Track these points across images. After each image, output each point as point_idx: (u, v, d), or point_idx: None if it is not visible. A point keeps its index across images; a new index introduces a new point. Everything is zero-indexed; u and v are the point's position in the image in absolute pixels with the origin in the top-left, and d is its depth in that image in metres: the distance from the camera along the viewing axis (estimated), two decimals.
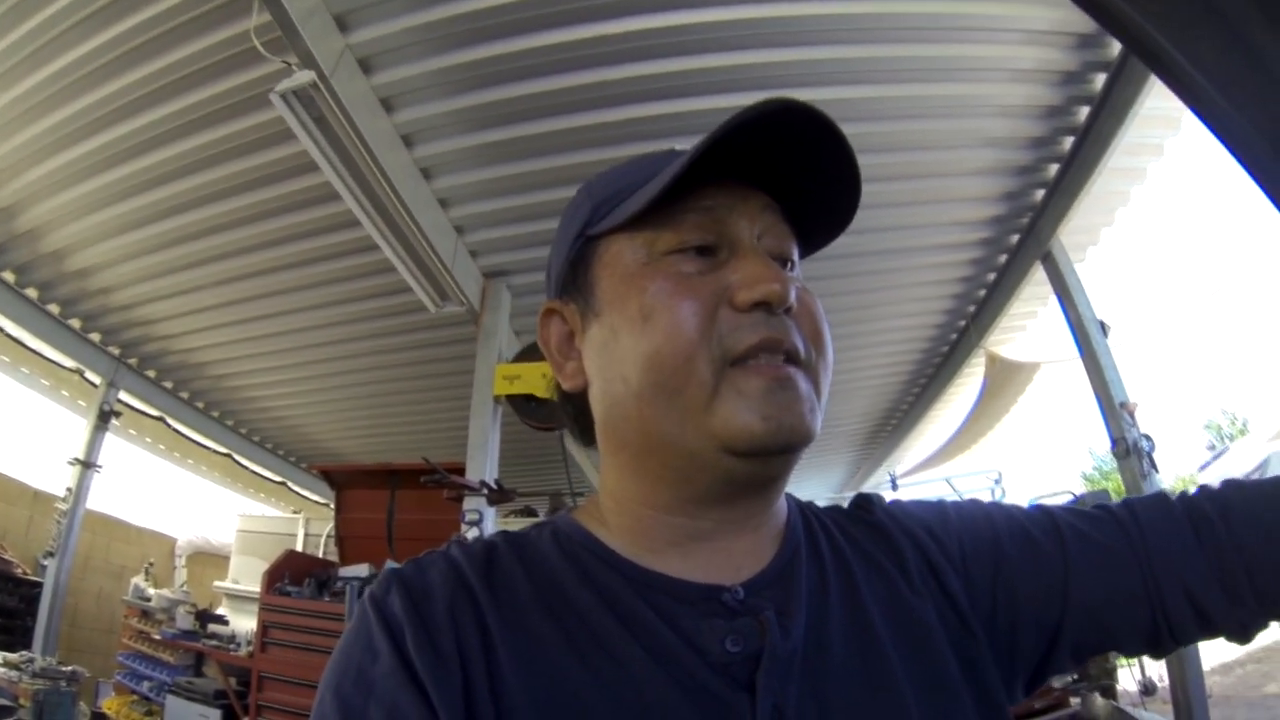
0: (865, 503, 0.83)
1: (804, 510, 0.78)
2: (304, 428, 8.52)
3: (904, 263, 5.86)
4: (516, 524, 9.36)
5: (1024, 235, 5.80)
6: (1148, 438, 4.56)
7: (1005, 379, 7.75)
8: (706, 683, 0.61)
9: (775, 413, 0.62)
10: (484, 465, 4.47)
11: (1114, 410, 4.78)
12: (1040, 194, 5.36)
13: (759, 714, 0.59)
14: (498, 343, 4.96)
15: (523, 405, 4.55)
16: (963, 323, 7.12)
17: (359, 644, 0.64)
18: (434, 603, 0.65)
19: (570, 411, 0.79)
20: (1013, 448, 10.76)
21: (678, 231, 0.67)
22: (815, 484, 11.47)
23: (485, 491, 4.21)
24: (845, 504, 0.84)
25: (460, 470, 4.39)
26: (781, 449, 0.64)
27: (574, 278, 0.75)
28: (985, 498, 9.98)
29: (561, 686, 0.61)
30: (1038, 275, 6.03)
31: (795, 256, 0.73)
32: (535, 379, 4.46)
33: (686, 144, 0.68)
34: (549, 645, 0.63)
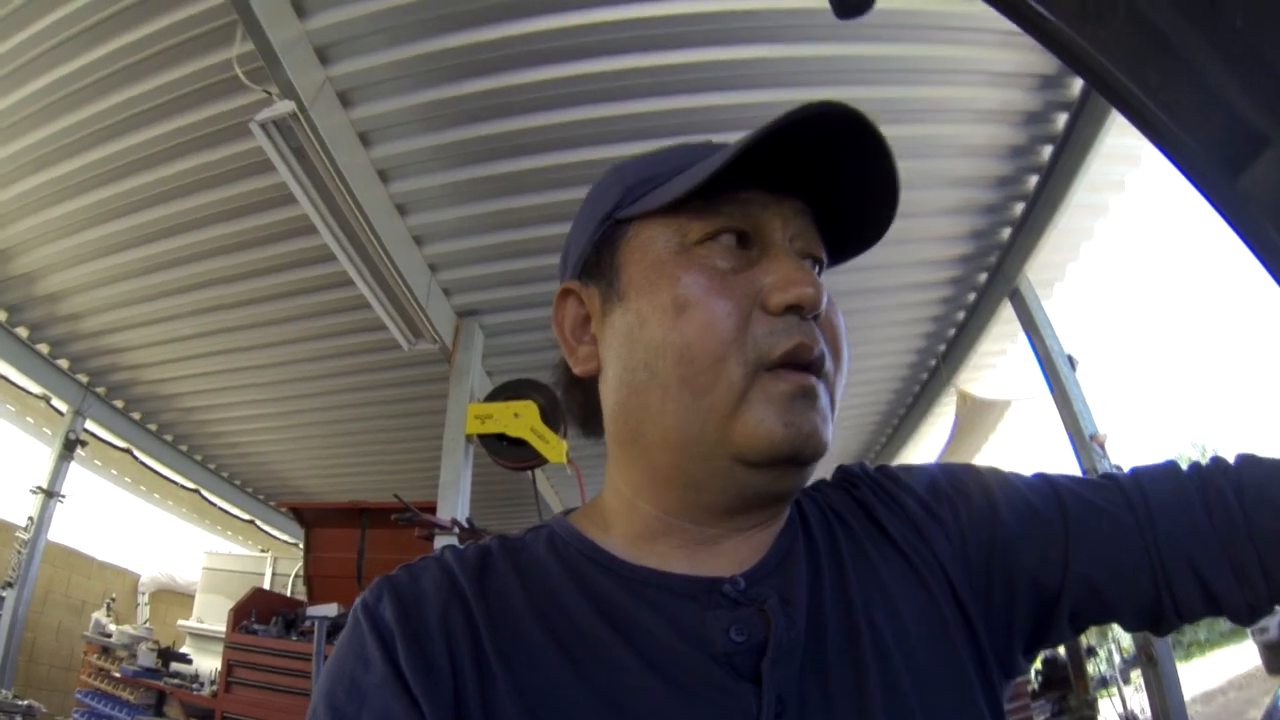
0: (849, 476, 0.81)
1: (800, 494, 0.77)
2: (274, 464, 8.39)
3: (874, 303, 5.92)
4: None
5: (992, 273, 5.91)
6: (1118, 468, 4.62)
7: (976, 417, 7.78)
8: (709, 677, 0.61)
9: (797, 420, 0.62)
10: (455, 504, 4.43)
11: (1084, 442, 4.87)
12: (1007, 232, 5.48)
13: (765, 704, 0.58)
14: (470, 381, 4.97)
15: (494, 444, 4.53)
16: (934, 361, 7.20)
17: (351, 652, 0.63)
18: (425, 610, 0.64)
19: (577, 398, 0.78)
20: None
21: (713, 220, 0.66)
22: None
23: (457, 530, 4.17)
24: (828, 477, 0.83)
25: (431, 509, 4.35)
26: (798, 458, 0.63)
27: (598, 260, 0.73)
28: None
29: (553, 695, 0.60)
30: (1006, 313, 6.15)
31: (824, 259, 0.73)
32: (507, 418, 4.48)
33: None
34: (542, 653, 0.62)
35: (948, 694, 0.63)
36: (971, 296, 6.28)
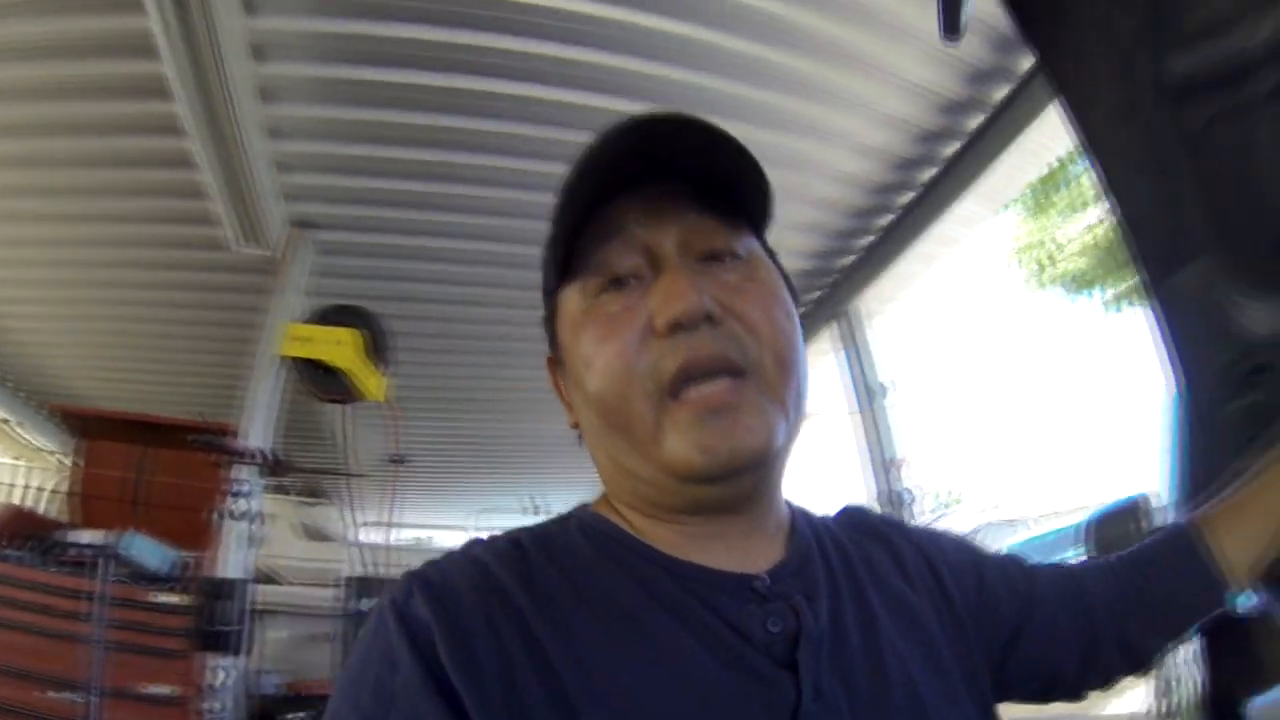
0: (859, 512, 0.87)
1: (806, 516, 0.80)
2: (46, 358, 7.28)
3: None
4: (281, 501, 8.69)
5: (825, 294, 6.23)
6: (909, 490, 5.03)
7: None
8: (753, 663, 0.63)
9: (712, 442, 0.63)
10: (261, 431, 4.11)
11: (884, 465, 5.24)
12: (850, 259, 5.78)
13: (803, 689, 0.62)
14: (293, 299, 4.59)
15: (310, 372, 4.21)
16: None
17: (376, 653, 0.61)
18: (464, 607, 0.62)
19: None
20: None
21: (601, 270, 0.68)
22: (558, 499, 11.48)
23: (261, 461, 3.89)
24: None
25: (230, 434, 4.01)
26: (727, 474, 0.65)
27: (550, 333, 0.77)
28: None
29: (623, 683, 0.61)
30: (829, 332, 6.51)
31: (732, 244, 0.71)
32: (329, 345, 4.14)
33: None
34: (602, 643, 0.63)
35: (952, 697, 0.70)
36: (798, 310, 6.50)
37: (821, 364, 7.50)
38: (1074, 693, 0.88)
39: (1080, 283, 13.10)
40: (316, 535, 9.00)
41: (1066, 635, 0.85)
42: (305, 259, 4.77)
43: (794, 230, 5.32)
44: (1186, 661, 1.06)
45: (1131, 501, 2.17)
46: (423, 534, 10.60)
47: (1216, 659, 0.98)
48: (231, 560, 3.92)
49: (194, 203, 4.35)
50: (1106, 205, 1.03)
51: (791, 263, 5.44)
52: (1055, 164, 5.00)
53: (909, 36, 3.78)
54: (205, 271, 5.34)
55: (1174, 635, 0.90)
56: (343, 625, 5.05)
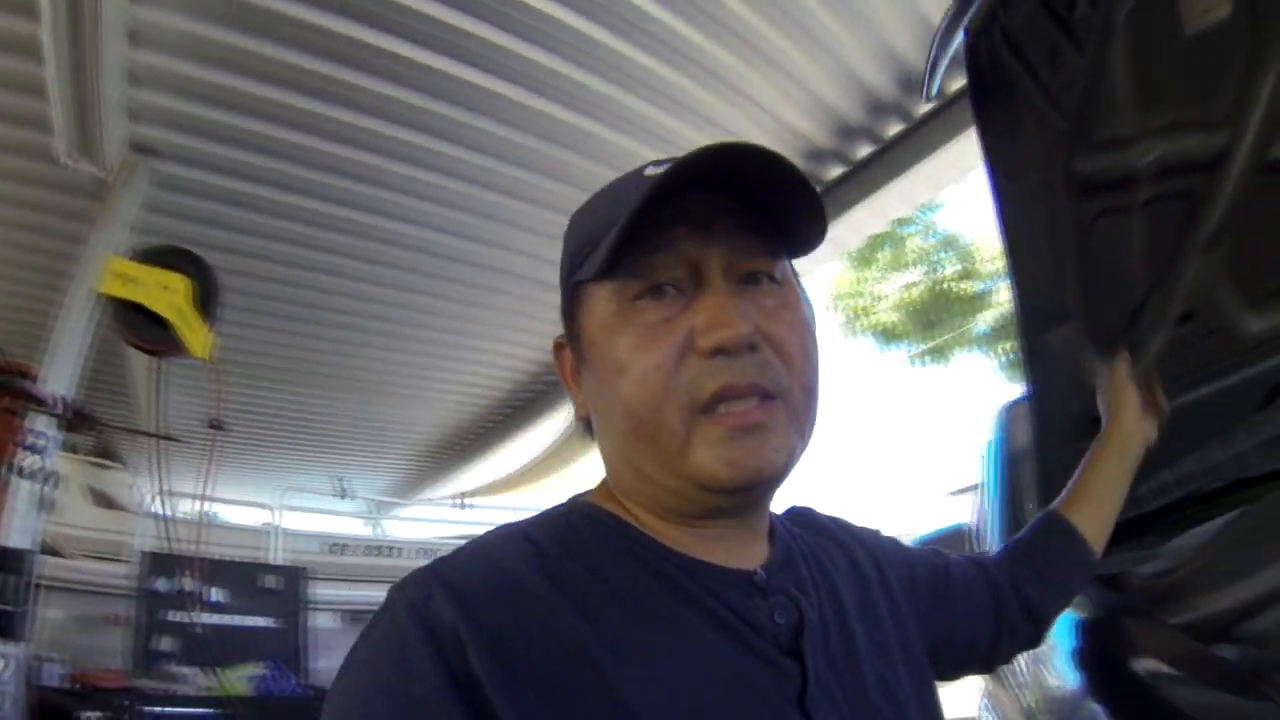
0: (808, 511, 0.92)
1: (777, 517, 0.85)
2: None
3: (534, 292, 6.09)
4: (69, 461, 7.61)
5: None
6: None
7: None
8: (764, 651, 0.67)
9: (740, 458, 0.65)
10: (65, 377, 3.66)
11: None
12: None
13: (809, 674, 0.67)
14: (120, 233, 4.10)
15: (130, 315, 3.73)
16: None
17: (390, 658, 0.59)
18: (492, 607, 0.61)
19: (591, 433, 0.79)
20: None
21: (644, 278, 0.68)
22: (369, 483, 10.97)
23: (61, 412, 3.46)
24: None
25: (30, 375, 3.52)
26: (749, 489, 0.68)
27: (569, 322, 0.76)
28: None
29: (664, 670, 0.62)
30: None
31: (771, 269, 0.72)
32: (154, 289, 3.71)
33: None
34: (636, 633, 0.64)
35: (916, 681, 0.78)
36: None
37: None
38: (988, 664, 1.03)
39: (890, 336, 14.34)
40: (106, 503, 8.08)
41: (982, 613, 0.98)
42: (139, 189, 4.22)
43: None
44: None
45: (956, 529, 2.49)
46: (222, 509, 9.63)
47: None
48: (18, 526, 3.28)
49: (26, 99, 3.77)
50: (1005, 264, 1.21)
51: None
52: (892, 223, 5.48)
53: (794, 83, 4.18)
54: (24, 184, 4.60)
55: (1066, 597, 1.08)
56: (136, 606, 4.63)
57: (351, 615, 6.35)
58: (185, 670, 4.30)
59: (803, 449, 0.70)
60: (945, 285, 15.55)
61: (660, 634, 0.65)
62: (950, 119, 4.29)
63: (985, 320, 16.17)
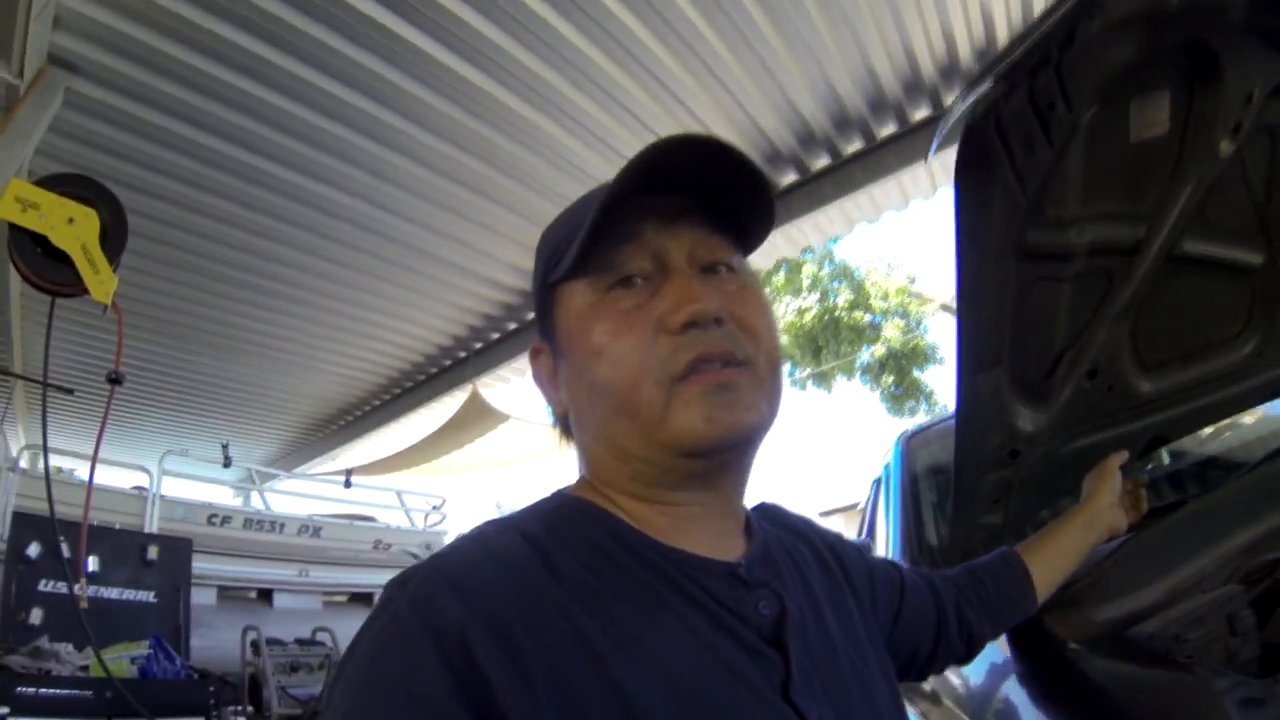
0: (776, 509, 0.98)
1: (752, 513, 0.89)
2: None
3: (445, 274, 6.08)
4: None
5: None
6: None
7: (474, 417, 8.38)
8: (750, 641, 0.71)
9: (716, 413, 0.69)
10: None
11: None
12: None
13: (792, 663, 0.70)
14: (23, 151, 3.82)
15: (26, 246, 3.37)
16: (464, 354, 7.63)
17: (394, 654, 0.60)
18: (497, 602, 0.62)
19: (569, 433, 0.84)
20: (466, 480, 11.29)
21: (614, 269, 0.73)
22: (248, 453, 10.48)
23: None
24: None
25: None
26: (727, 445, 0.71)
27: (545, 324, 0.81)
28: (430, 519, 9.98)
29: (663, 660, 0.64)
30: None
31: (730, 259, 0.78)
32: (59, 219, 3.33)
33: None
34: (637, 624, 0.66)
35: (880, 671, 0.83)
36: (530, 315, 6.77)
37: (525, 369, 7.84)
38: (923, 673, 1.11)
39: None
40: None
41: (926, 624, 1.05)
42: (52, 106, 3.89)
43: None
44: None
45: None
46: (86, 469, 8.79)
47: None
48: None
49: None
50: (956, 308, 1.40)
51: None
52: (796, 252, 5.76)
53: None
54: None
55: (1001, 628, 1.17)
56: (4, 573, 4.27)
57: (227, 592, 6.13)
58: (59, 647, 3.95)
59: (771, 419, 0.74)
60: (836, 314, 16.35)
61: (655, 624, 0.67)
62: (869, 163, 4.67)
63: (872, 353, 17.08)
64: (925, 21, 4.16)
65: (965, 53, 4.45)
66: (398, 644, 0.60)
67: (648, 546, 0.72)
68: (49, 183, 3.46)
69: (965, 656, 1.13)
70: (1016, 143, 1.18)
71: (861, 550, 1.00)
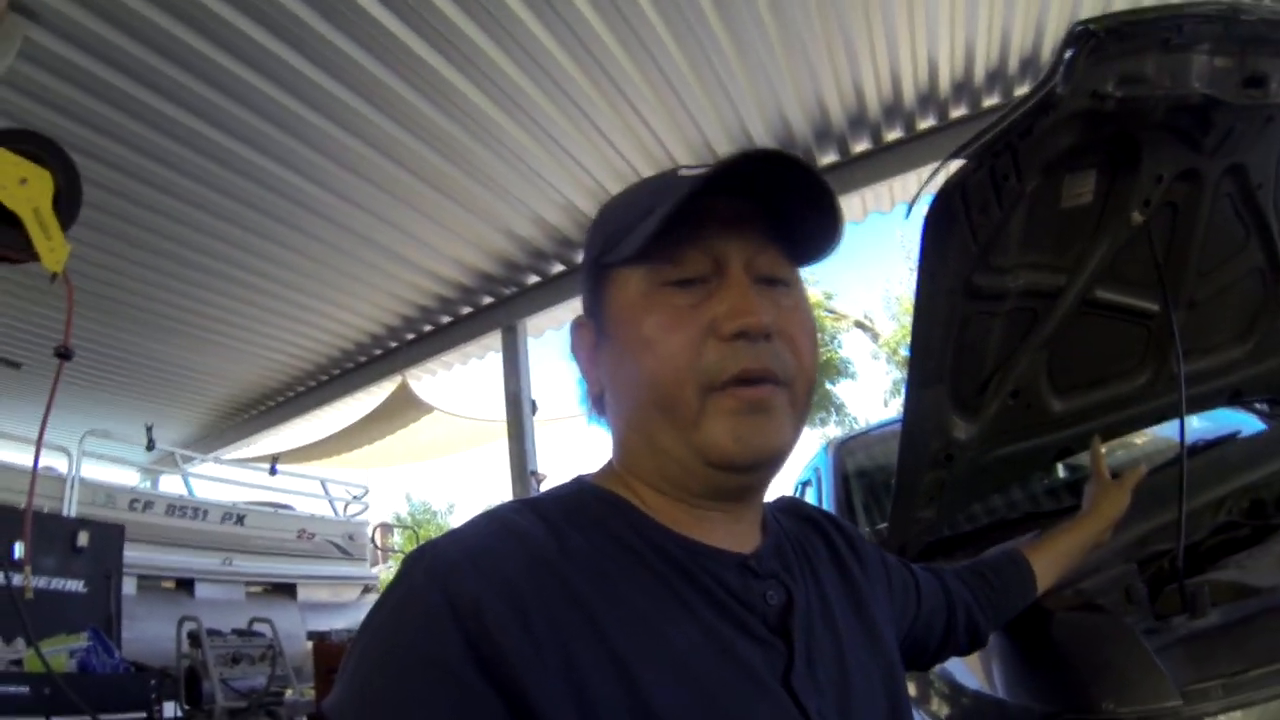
0: (797, 502, 1.01)
1: (768, 507, 0.90)
2: None
3: (385, 262, 6.05)
4: None
5: (497, 302, 6.69)
6: None
7: (400, 407, 8.39)
8: (755, 629, 0.72)
9: (747, 434, 0.71)
10: None
11: (524, 475, 5.73)
12: (532, 279, 6.38)
13: (796, 651, 0.72)
14: None
15: None
16: (395, 344, 7.59)
17: (410, 623, 0.62)
18: (512, 577, 0.63)
19: (600, 410, 0.85)
20: (390, 471, 11.12)
21: (674, 267, 0.73)
22: (169, 433, 9.82)
23: None
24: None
25: None
26: (752, 465, 0.73)
27: (593, 302, 0.81)
28: (350, 509, 9.81)
29: (668, 644, 0.66)
30: (488, 340, 6.98)
31: (787, 274, 0.78)
32: (10, 181, 3.09)
33: None
34: (645, 607, 0.67)
35: (887, 660, 0.86)
36: (466, 310, 6.94)
37: (456, 360, 7.84)
38: (928, 665, 1.15)
39: None
40: None
41: (937, 623, 1.10)
42: (8, 54, 3.61)
43: (497, 233, 5.72)
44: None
45: None
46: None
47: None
48: None
49: None
50: (911, 333, 1.65)
51: (478, 260, 5.93)
52: None
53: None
54: None
55: (1002, 623, 1.25)
56: None
57: (147, 582, 5.87)
58: None
59: (795, 441, 0.76)
60: None
61: (663, 608, 0.68)
62: None
63: None
64: (875, 60, 4.44)
65: (909, 91, 4.77)
66: (415, 613, 0.61)
67: (664, 536, 0.74)
68: (1, 137, 3.22)
69: (967, 650, 1.20)
70: (975, 205, 1.44)
71: (876, 547, 1.03)
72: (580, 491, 0.79)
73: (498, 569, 0.63)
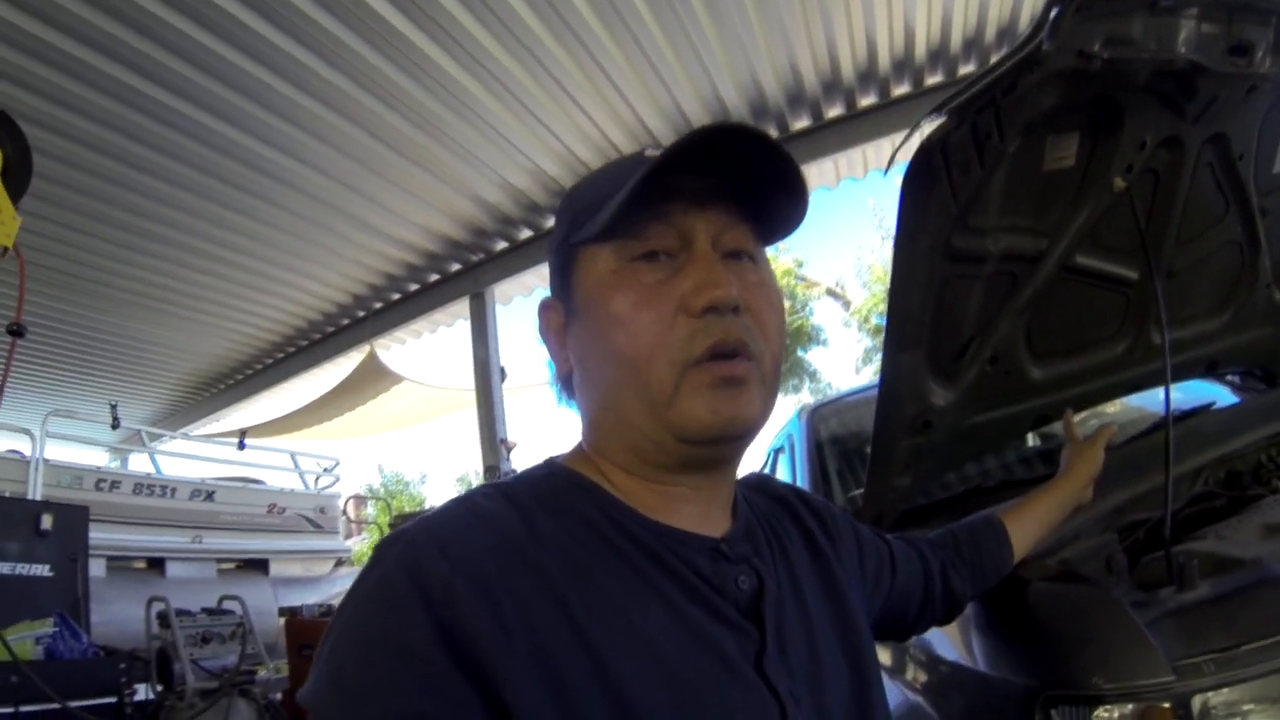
0: (766, 480, 1.00)
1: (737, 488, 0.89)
2: None
3: (351, 230, 5.97)
4: None
5: (465, 269, 6.63)
6: (513, 471, 5.54)
7: (369, 378, 8.34)
8: (726, 613, 0.72)
9: (721, 406, 0.70)
10: None
11: (493, 442, 5.71)
12: (500, 245, 6.31)
13: (768, 635, 0.73)
14: None
15: None
16: (363, 313, 7.52)
17: (384, 611, 0.61)
18: (482, 562, 0.63)
19: (569, 391, 0.84)
20: (359, 442, 11.07)
21: (641, 241, 0.73)
22: (131, 413, 9.63)
23: None
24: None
25: None
26: (726, 437, 0.73)
27: (561, 282, 0.81)
28: (321, 481, 9.75)
29: (639, 629, 0.66)
30: (455, 308, 6.93)
31: (753, 249, 0.78)
32: None
33: None
34: (616, 593, 0.68)
35: (858, 640, 0.85)
36: (434, 278, 6.88)
37: (426, 328, 7.82)
38: (904, 636, 1.15)
39: None
40: None
41: (914, 593, 1.09)
42: None
43: (466, 199, 5.67)
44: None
45: None
46: None
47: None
48: None
49: None
50: (889, 295, 1.61)
51: (446, 227, 5.87)
52: None
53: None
54: None
55: (981, 589, 1.23)
56: None
57: (116, 562, 5.79)
58: None
59: (767, 416, 0.76)
60: None
61: (634, 594, 0.68)
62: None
63: None
64: (850, 24, 4.40)
65: (884, 57, 4.75)
66: (387, 600, 0.61)
67: (634, 521, 0.73)
68: None
69: (945, 619, 1.19)
70: (956, 164, 1.41)
71: (849, 520, 1.03)
72: (550, 475, 0.78)
73: (468, 554, 0.63)
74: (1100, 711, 1.15)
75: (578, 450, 0.82)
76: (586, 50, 4.24)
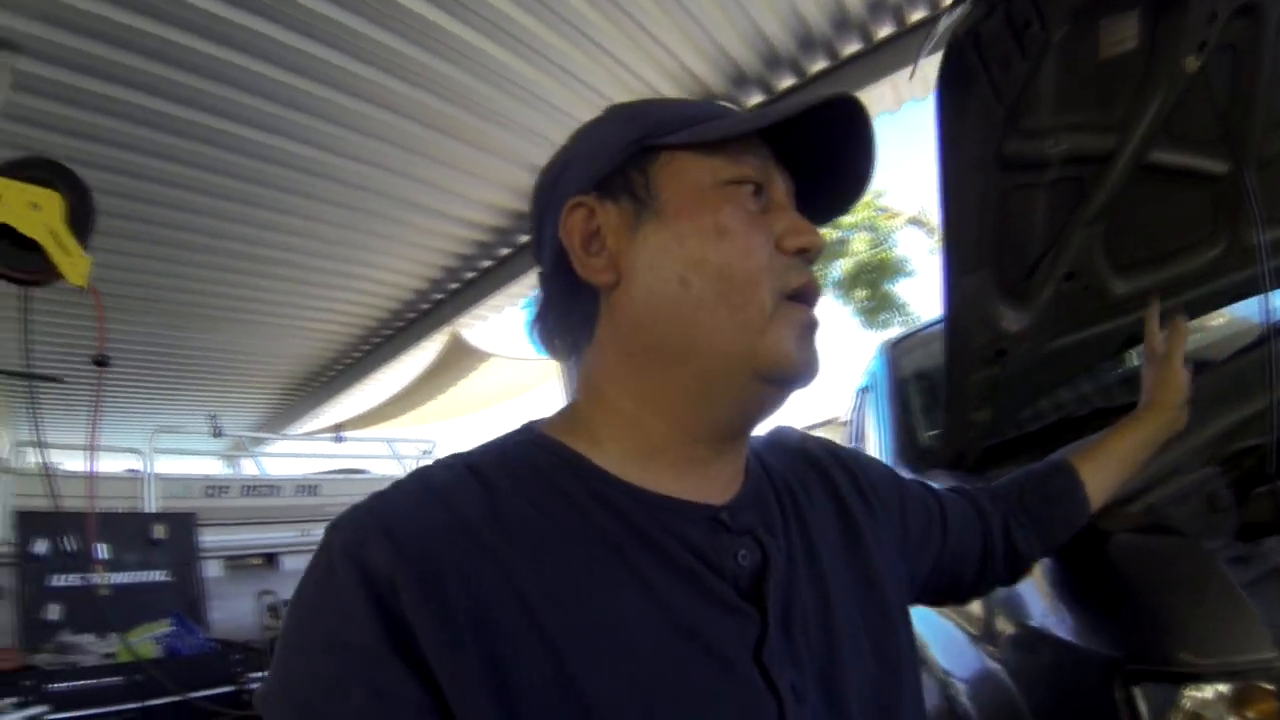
0: (790, 434, 0.92)
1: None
2: None
3: (416, 218, 6.02)
4: None
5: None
6: None
7: (456, 359, 8.44)
8: (722, 593, 0.66)
9: (806, 350, 0.70)
10: None
11: None
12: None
13: (770, 618, 0.66)
14: None
15: None
16: (440, 296, 7.58)
17: (328, 605, 0.58)
18: (428, 549, 0.59)
19: (577, 311, 0.75)
20: (454, 424, 11.29)
21: (741, 167, 0.71)
22: (235, 420, 10.10)
23: None
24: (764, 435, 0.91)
25: None
26: (802, 380, 0.70)
27: (625, 179, 0.72)
28: (421, 464, 10.06)
29: (603, 615, 0.61)
30: (531, 279, 6.83)
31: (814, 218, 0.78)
32: (21, 207, 3.20)
33: None
34: (579, 575, 0.62)
35: (882, 612, 0.78)
36: (505, 251, 6.84)
37: (502, 305, 7.81)
38: (965, 598, 1.05)
39: None
40: None
41: (969, 549, 0.99)
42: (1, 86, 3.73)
43: (525, 170, 5.57)
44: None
45: None
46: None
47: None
48: None
49: None
50: (941, 213, 1.46)
51: (506, 200, 5.84)
52: None
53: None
54: None
55: (1051, 546, 1.09)
56: (18, 574, 4.12)
57: (233, 562, 6.06)
58: (81, 639, 3.87)
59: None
60: None
61: (606, 576, 0.63)
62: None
63: (841, 268, 17.20)
64: None
65: None
66: (331, 593, 0.58)
67: (618, 490, 0.68)
68: (5, 170, 3.33)
69: (1010, 580, 1.08)
70: (994, 59, 1.26)
71: (893, 476, 0.95)
72: (524, 442, 0.72)
73: (416, 542, 0.59)
74: (1189, 691, 0.99)
75: (567, 412, 0.76)
76: (617, 4, 4.11)
